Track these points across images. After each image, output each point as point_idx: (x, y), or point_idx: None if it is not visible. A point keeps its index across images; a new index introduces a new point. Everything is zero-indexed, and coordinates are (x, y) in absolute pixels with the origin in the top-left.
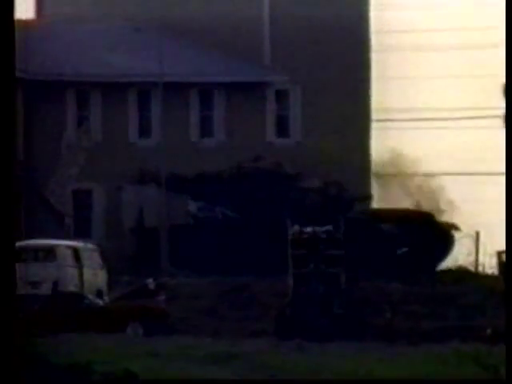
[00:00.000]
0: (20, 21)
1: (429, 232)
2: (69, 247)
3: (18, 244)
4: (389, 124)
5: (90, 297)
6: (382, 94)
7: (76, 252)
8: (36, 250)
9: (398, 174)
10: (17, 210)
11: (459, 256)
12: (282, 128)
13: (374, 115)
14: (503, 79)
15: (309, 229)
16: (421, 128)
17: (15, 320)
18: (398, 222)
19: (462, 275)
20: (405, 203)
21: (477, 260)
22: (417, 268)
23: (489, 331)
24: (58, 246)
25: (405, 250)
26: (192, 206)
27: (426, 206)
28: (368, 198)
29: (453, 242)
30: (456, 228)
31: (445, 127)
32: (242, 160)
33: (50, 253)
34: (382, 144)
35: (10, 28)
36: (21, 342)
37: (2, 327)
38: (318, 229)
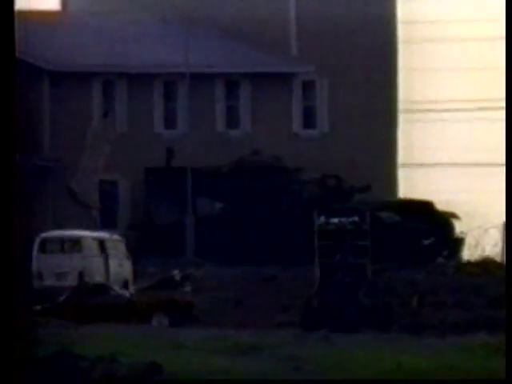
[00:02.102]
0: (46, 12)
1: (429, 221)
2: (95, 238)
3: (43, 235)
4: (415, 115)
5: (116, 288)
6: (409, 86)
7: (102, 243)
8: (62, 241)
9: (423, 165)
10: (40, 202)
11: (486, 247)
12: (309, 119)
13: (400, 106)
14: None
15: (335, 220)
16: (447, 120)
17: (15, 313)
18: (398, 211)
19: (488, 266)
20: (430, 195)
21: (503, 250)
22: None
23: None
24: (83, 236)
25: (431, 240)
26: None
27: (451, 197)
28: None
29: (453, 231)
30: (455, 217)
31: (468, 120)
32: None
33: (75, 244)
34: (408, 135)
35: (10, 18)
36: (43, 332)
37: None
38: (344, 220)
